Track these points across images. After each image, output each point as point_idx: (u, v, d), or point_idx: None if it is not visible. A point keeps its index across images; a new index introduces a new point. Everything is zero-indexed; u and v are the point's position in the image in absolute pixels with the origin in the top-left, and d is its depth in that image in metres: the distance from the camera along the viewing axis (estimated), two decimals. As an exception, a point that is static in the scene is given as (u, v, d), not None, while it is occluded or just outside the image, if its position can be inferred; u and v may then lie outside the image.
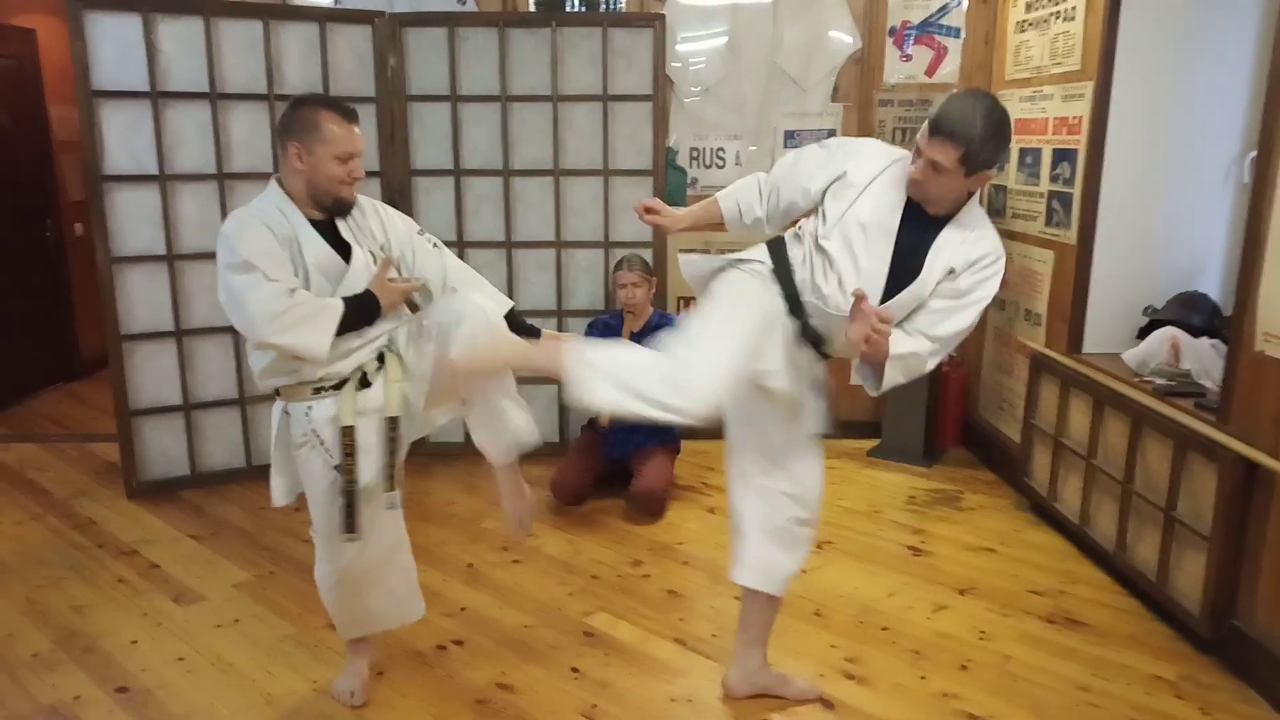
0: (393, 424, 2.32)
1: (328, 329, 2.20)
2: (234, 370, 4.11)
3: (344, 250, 2.33)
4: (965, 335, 2.24)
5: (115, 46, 3.76)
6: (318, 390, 2.30)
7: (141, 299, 3.93)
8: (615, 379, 2.03)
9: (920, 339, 2.18)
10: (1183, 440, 2.84)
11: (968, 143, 2.04)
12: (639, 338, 3.88)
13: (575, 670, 2.73)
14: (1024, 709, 2.54)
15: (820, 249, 2.24)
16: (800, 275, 2.28)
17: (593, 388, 2.02)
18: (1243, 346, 2.67)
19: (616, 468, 4.00)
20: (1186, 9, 3.34)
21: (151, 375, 3.99)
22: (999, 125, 2.08)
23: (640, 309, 3.90)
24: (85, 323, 5.90)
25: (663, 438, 3.98)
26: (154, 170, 3.86)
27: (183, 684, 2.65)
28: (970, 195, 2.20)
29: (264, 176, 3.98)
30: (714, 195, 2.53)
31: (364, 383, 2.33)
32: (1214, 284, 3.51)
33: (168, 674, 2.70)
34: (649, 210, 2.46)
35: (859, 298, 2.02)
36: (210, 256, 3.91)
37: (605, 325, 4.01)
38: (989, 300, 2.19)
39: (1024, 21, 4.04)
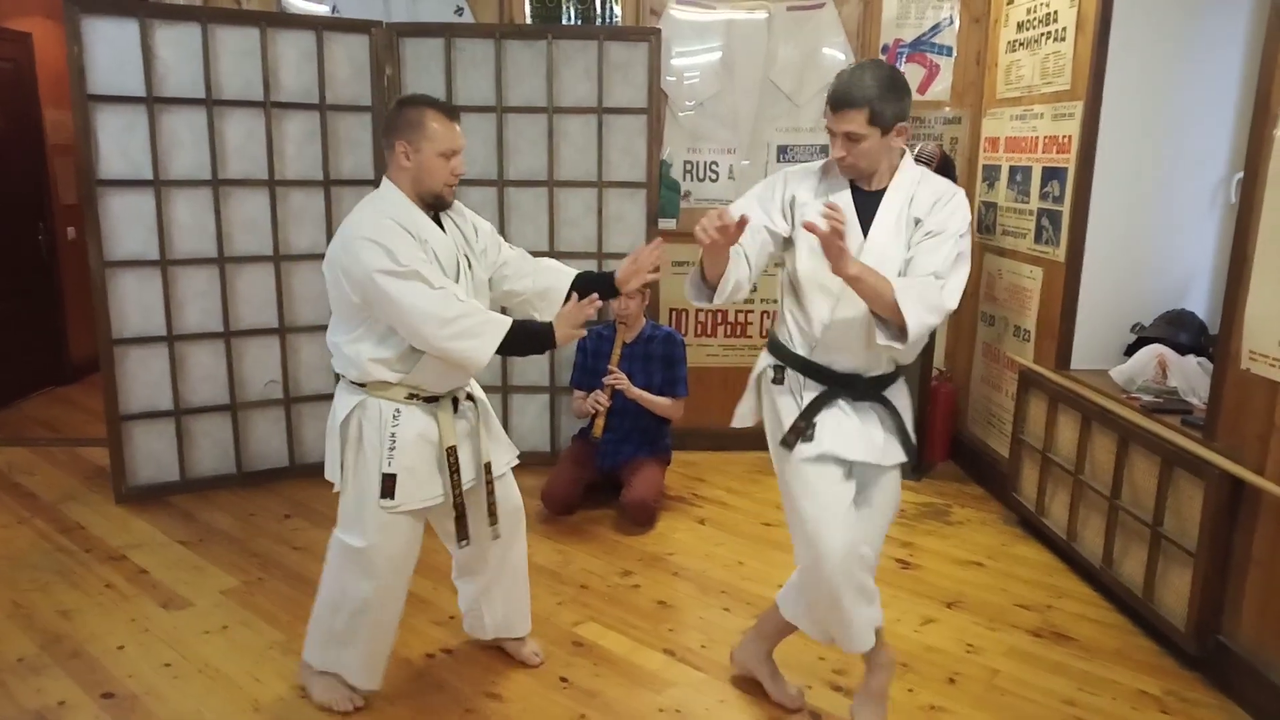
0: (488, 468, 2.51)
1: (492, 343, 2.28)
2: (225, 376, 4.11)
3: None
4: (963, 269, 2.20)
5: (111, 51, 3.76)
6: (411, 396, 2.37)
7: (134, 303, 3.92)
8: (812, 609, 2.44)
9: (921, 277, 2.16)
10: (1169, 457, 2.87)
11: (868, 103, 2.11)
12: (632, 348, 3.90)
13: (564, 680, 2.73)
14: (1010, 722, 2.56)
15: (793, 286, 2.33)
16: (795, 341, 2.35)
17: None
18: (1229, 364, 2.70)
19: (607, 478, 4.01)
20: (1175, 31, 3.39)
21: (143, 380, 3.98)
22: (890, 78, 2.15)
23: (633, 321, 3.92)
24: (76, 326, 5.88)
25: (654, 448, 3.99)
26: (149, 175, 3.86)
27: (169, 690, 2.64)
28: (902, 155, 2.26)
29: (259, 183, 4.05)
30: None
31: (454, 405, 2.46)
32: (1201, 302, 3.55)
33: (154, 680, 2.69)
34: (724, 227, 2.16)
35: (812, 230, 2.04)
36: (204, 262, 3.99)
37: (599, 336, 4.02)
38: (965, 230, 2.21)
39: (1015, 41, 4.08)
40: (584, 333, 2.48)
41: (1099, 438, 3.26)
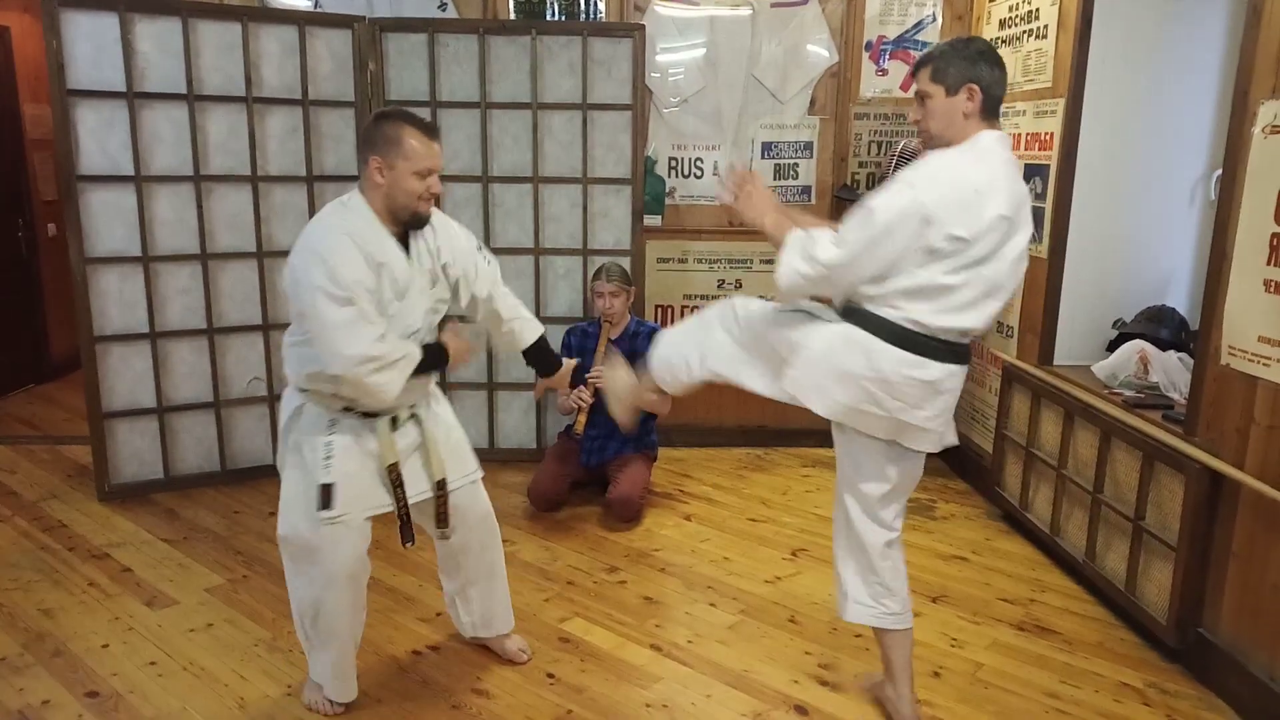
0: (440, 484, 2.49)
1: (403, 376, 2.26)
2: (209, 373, 4.08)
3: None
4: (859, 222, 2.07)
5: (91, 45, 3.73)
6: (347, 409, 2.36)
7: (115, 300, 3.89)
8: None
9: (828, 229, 2.14)
10: (1150, 451, 2.90)
11: (932, 60, 2.16)
12: (617, 344, 3.90)
13: (550, 676, 2.73)
14: (994, 716, 2.58)
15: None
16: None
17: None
18: (1209, 360, 2.73)
19: (593, 474, 4.01)
20: (1156, 30, 3.41)
21: (125, 377, 3.95)
22: (962, 41, 2.19)
23: (618, 318, 3.92)
24: (57, 324, 5.83)
25: (640, 445, 3.99)
26: (129, 171, 3.83)
27: (154, 689, 2.63)
28: (980, 131, 2.14)
29: (241, 179, 4.02)
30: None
31: (393, 422, 2.42)
32: (1181, 298, 3.59)
33: (139, 678, 2.67)
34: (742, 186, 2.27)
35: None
36: (186, 258, 3.97)
37: (583, 333, 4.02)
38: (895, 192, 2.05)
39: (997, 39, 4.11)
40: (469, 355, 2.51)
41: (1081, 433, 3.29)
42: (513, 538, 3.65)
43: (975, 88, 2.13)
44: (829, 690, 2.68)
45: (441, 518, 2.51)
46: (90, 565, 3.37)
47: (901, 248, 2.06)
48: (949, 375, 2.18)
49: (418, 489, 2.46)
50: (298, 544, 2.37)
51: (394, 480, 2.38)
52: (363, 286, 2.19)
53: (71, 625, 2.95)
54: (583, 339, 3.99)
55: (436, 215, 2.45)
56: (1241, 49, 2.63)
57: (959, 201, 2.05)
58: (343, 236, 2.21)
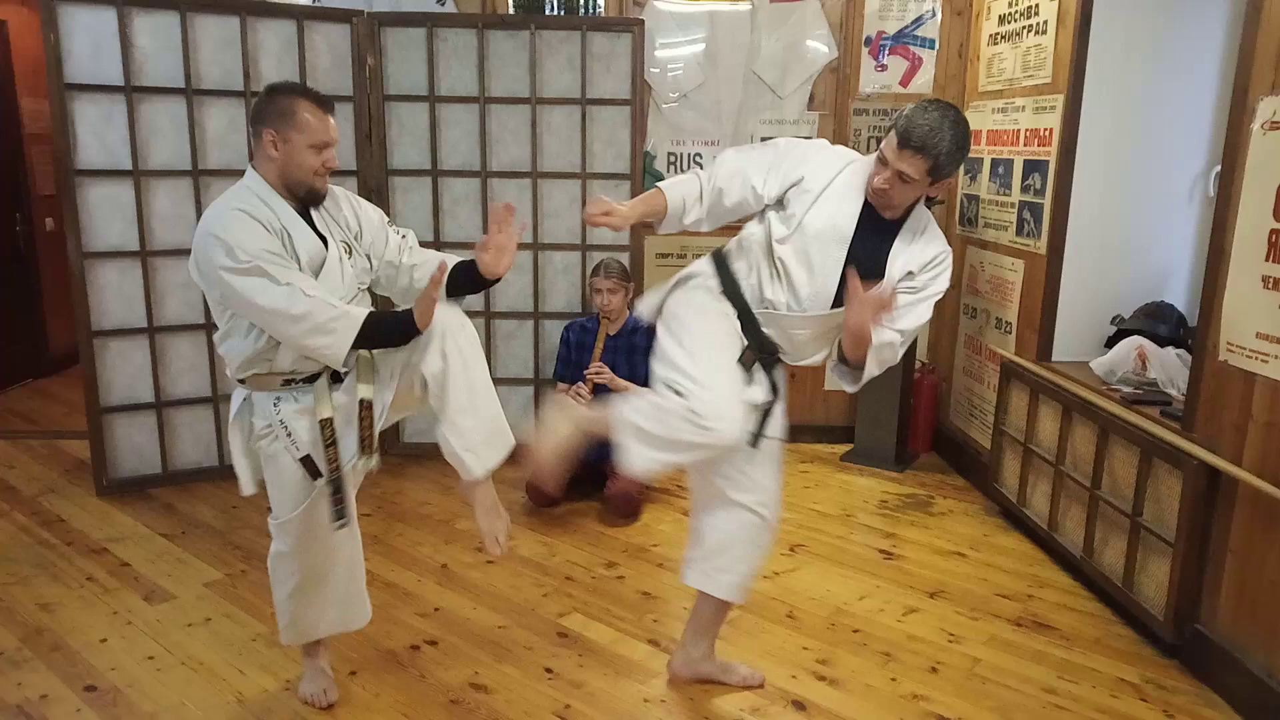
0: (366, 404, 2.30)
1: (346, 338, 2.18)
2: (207, 367, 4.08)
3: (322, 240, 2.31)
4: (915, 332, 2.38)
5: (89, 39, 3.72)
6: (288, 382, 2.30)
7: (114, 295, 3.89)
8: (651, 439, 2.16)
9: (888, 331, 2.23)
10: (1148, 448, 2.90)
11: (936, 156, 2.13)
12: (615, 341, 3.90)
13: (549, 671, 2.73)
14: (992, 711, 2.58)
15: (771, 256, 2.30)
16: (746, 286, 2.34)
17: (639, 456, 2.18)
18: (1207, 356, 2.73)
19: (592, 470, 4.01)
20: (1155, 26, 3.41)
21: (123, 372, 3.95)
22: (964, 137, 2.17)
23: (617, 314, 3.92)
24: (55, 318, 5.83)
25: (638, 440, 3.99)
26: (128, 165, 3.82)
27: (152, 683, 2.63)
28: (920, 198, 2.30)
29: (239, 174, 3.97)
30: (657, 186, 2.44)
31: (334, 378, 2.33)
32: (1180, 295, 3.59)
33: (137, 673, 2.68)
34: (602, 214, 2.31)
35: (855, 284, 2.10)
36: (185, 253, 3.93)
37: (582, 328, 4.02)
38: (942, 294, 2.33)
39: (997, 35, 4.10)
40: (435, 308, 2.21)
41: (1079, 429, 3.30)
42: (511, 533, 3.64)
43: (950, 182, 2.30)
44: (827, 685, 2.69)
45: (364, 442, 2.31)
46: (88, 560, 3.37)
47: None
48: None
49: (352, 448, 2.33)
50: (290, 529, 2.37)
51: (326, 439, 2.27)
52: (267, 252, 2.14)
53: (70, 620, 2.95)
54: (581, 335, 3.99)
55: (340, 190, 2.42)
56: (1241, 45, 2.63)
57: None
58: (235, 212, 2.17)
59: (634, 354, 3.91)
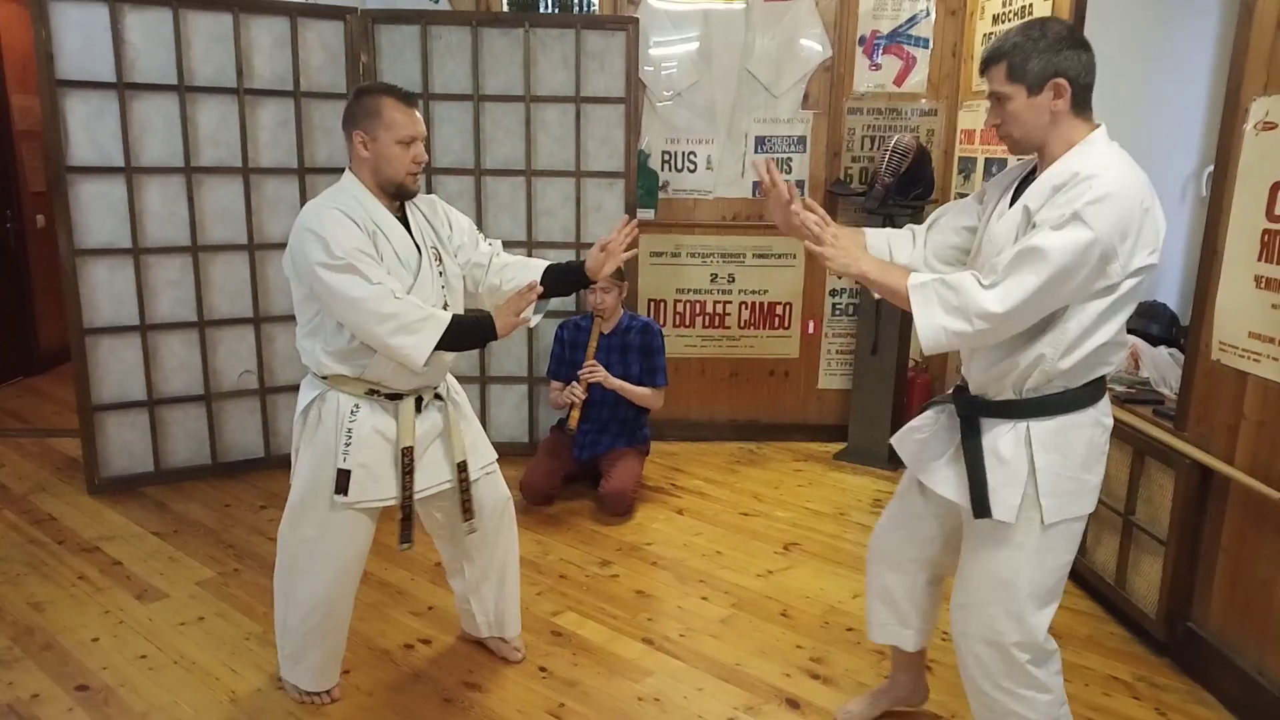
0: (461, 466, 2.48)
1: (430, 339, 2.22)
2: (199, 365, 4.07)
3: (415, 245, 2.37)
4: (1030, 268, 1.77)
5: (80, 36, 3.70)
6: (371, 391, 2.35)
7: (105, 292, 3.87)
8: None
9: (970, 273, 1.88)
10: (1141, 446, 2.91)
11: (1005, 54, 1.87)
12: (609, 339, 3.90)
13: (543, 669, 2.73)
14: (985, 708, 2.59)
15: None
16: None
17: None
18: (1199, 355, 2.74)
19: (585, 468, 4.01)
20: (1148, 27, 3.42)
21: (115, 370, 3.94)
22: (1038, 26, 1.88)
23: (610, 313, 3.91)
24: (45, 316, 5.80)
25: (632, 439, 3.99)
26: (119, 162, 3.81)
27: (145, 682, 2.62)
28: (1091, 131, 1.92)
29: (232, 171, 4.00)
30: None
31: (418, 404, 2.41)
32: (1172, 294, 3.60)
33: (129, 672, 2.67)
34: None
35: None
36: (177, 250, 3.95)
37: (576, 326, 4.02)
38: (1068, 224, 1.76)
39: (991, 34, 4.11)
40: (526, 320, 2.34)
41: (1072, 427, 3.30)
42: (517, 539, 3.64)
43: (1063, 82, 1.85)
44: (820, 684, 2.69)
45: (466, 507, 2.49)
46: (80, 558, 3.35)
47: (1077, 290, 1.82)
48: None
49: (435, 479, 2.45)
50: (301, 532, 2.37)
51: (405, 467, 2.36)
52: (360, 251, 2.19)
53: (61, 619, 2.94)
54: (575, 333, 3.99)
55: (435, 197, 2.50)
56: (1233, 45, 2.64)
57: (1136, 228, 1.82)
58: (331, 210, 2.22)
59: (628, 352, 3.91)
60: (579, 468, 4.02)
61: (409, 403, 2.38)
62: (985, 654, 2.09)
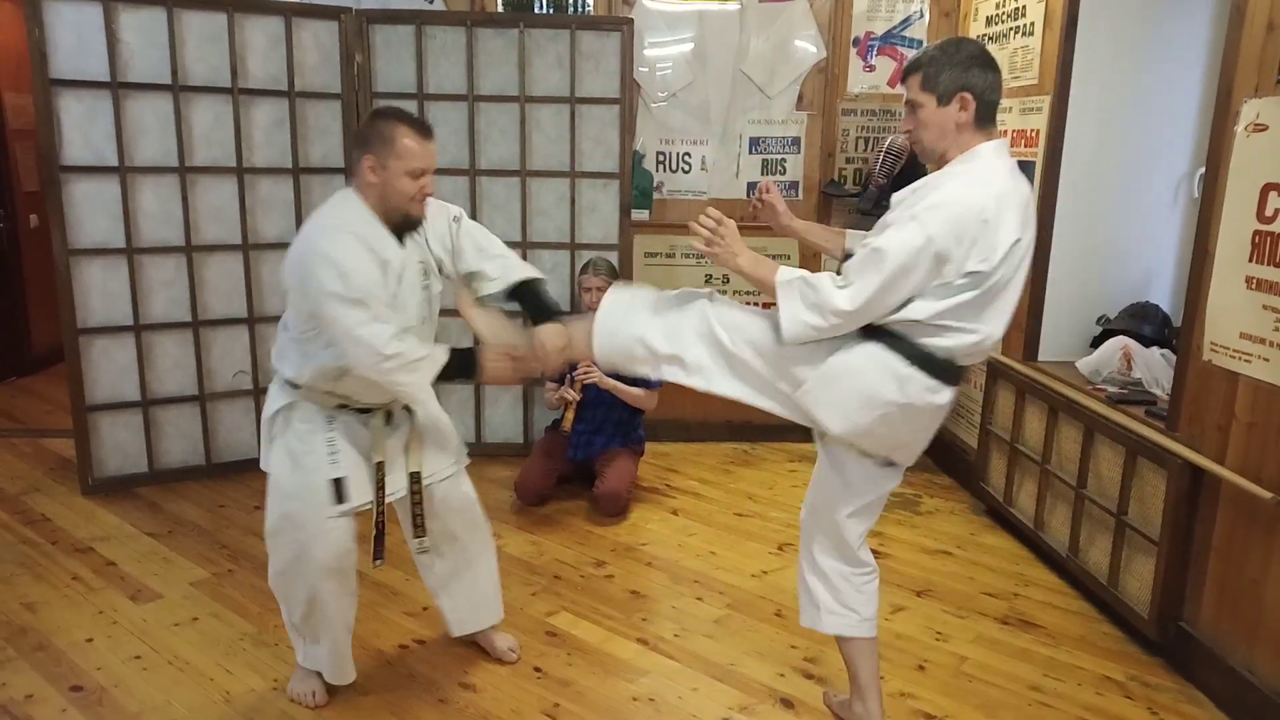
0: (415, 477, 2.46)
1: (428, 377, 2.25)
2: (193, 366, 4.06)
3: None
4: (877, 267, 1.95)
5: (74, 35, 3.69)
6: (342, 406, 2.36)
7: (99, 292, 3.86)
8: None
9: (828, 274, 2.04)
10: (1133, 447, 2.92)
11: (922, 65, 2.04)
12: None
13: (538, 670, 2.74)
14: (978, 709, 2.60)
15: None
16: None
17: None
18: (1191, 356, 2.75)
19: (580, 469, 4.02)
20: (1141, 28, 3.43)
21: (108, 370, 3.93)
22: (953, 45, 2.05)
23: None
24: (39, 316, 5.78)
25: (626, 439, 4.00)
26: (113, 162, 3.80)
27: (139, 682, 2.62)
28: (965, 136, 2.05)
29: (226, 170, 4.00)
30: None
31: (387, 417, 2.42)
32: (1165, 295, 3.61)
33: (123, 672, 2.66)
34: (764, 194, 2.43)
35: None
36: (171, 250, 3.94)
37: (570, 326, 4.01)
38: (912, 223, 1.94)
39: (984, 36, 4.12)
40: (509, 376, 2.38)
41: (1065, 428, 3.32)
42: (499, 532, 3.64)
43: (968, 96, 2.01)
44: (815, 683, 2.70)
45: (417, 522, 2.47)
46: (74, 559, 3.34)
47: (916, 285, 1.98)
48: (954, 396, 2.16)
49: (394, 486, 2.45)
50: (290, 539, 2.36)
51: (378, 480, 2.37)
52: (372, 287, 2.19)
53: (55, 619, 2.94)
54: (570, 333, 3.98)
55: (448, 207, 2.48)
56: (1225, 47, 2.65)
57: (971, 236, 1.94)
58: (348, 236, 2.20)
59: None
60: (574, 468, 4.02)
61: (379, 416, 2.39)
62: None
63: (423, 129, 2.27)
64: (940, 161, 2.08)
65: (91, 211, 3.81)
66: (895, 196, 2.09)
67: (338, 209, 2.29)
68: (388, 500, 2.43)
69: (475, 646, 2.83)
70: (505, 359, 2.34)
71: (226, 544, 3.50)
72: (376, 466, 2.36)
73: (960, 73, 2.01)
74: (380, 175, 2.23)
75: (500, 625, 2.83)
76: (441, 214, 2.47)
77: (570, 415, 3.79)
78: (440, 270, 2.45)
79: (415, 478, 2.46)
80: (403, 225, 2.31)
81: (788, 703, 2.61)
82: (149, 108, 3.85)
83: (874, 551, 3.52)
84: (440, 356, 2.26)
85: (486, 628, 2.78)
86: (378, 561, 2.42)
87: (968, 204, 1.95)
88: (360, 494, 2.36)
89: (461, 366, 2.32)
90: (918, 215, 1.95)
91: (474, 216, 4.28)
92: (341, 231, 2.21)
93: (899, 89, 4.51)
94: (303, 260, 2.19)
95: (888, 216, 2.05)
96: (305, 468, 2.33)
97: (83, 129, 3.76)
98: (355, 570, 2.49)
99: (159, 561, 3.35)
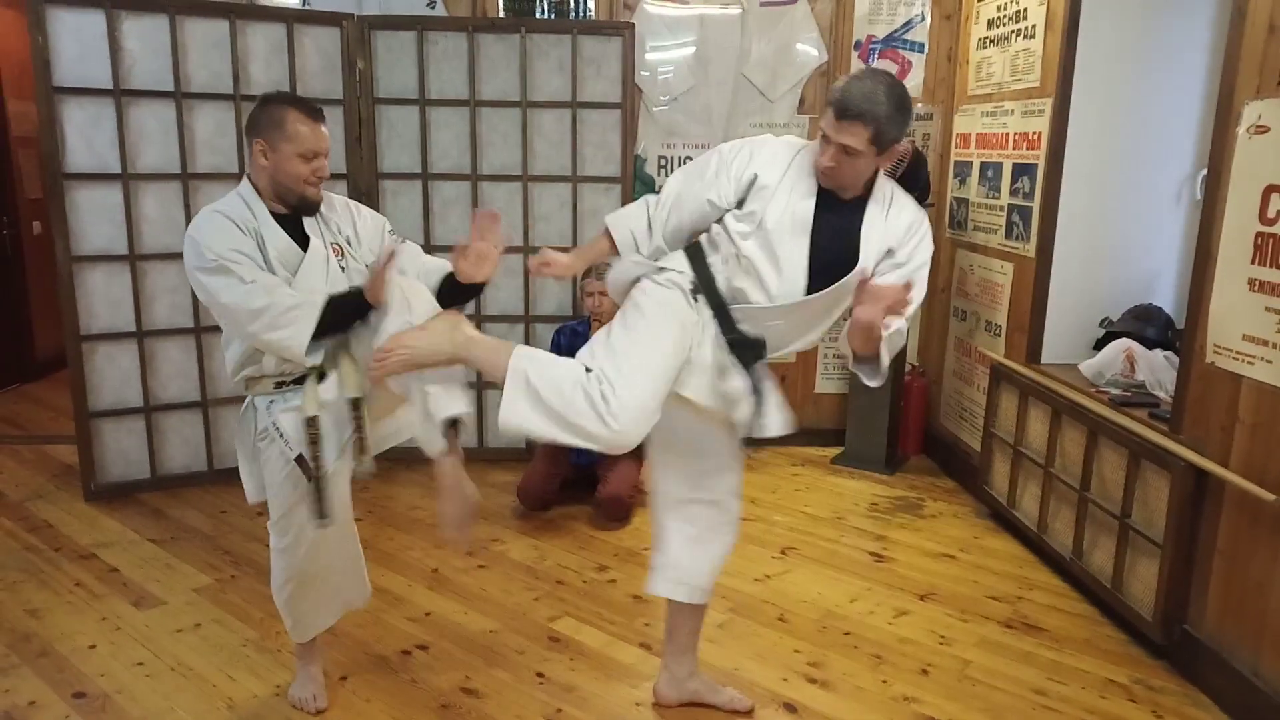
0: (355, 403, 2.26)
1: (306, 328, 2.18)
2: (196, 372, 4.07)
3: (305, 242, 2.32)
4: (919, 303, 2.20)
5: (77, 42, 3.70)
6: (279, 384, 2.32)
7: (102, 299, 3.87)
8: (544, 404, 1.99)
9: (895, 319, 2.06)
10: (1137, 449, 2.91)
11: (875, 121, 2.01)
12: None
13: (540, 675, 2.73)
14: (982, 712, 2.59)
15: (738, 253, 2.18)
16: (721, 280, 2.20)
17: (520, 410, 2.01)
18: (1194, 358, 2.74)
19: (582, 474, 4.01)
20: (1142, 29, 3.43)
21: (111, 376, 3.93)
22: (902, 99, 2.06)
23: (608, 317, 3.91)
24: (42, 322, 5.79)
25: (628, 444, 3.99)
26: (116, 169, 3.81)
27: (142, 689, 2.62)
28: (878, 171, 2.19)
29: (229, 177, 4.00)
30: (605, 224, 2.37)
31: (322, 376, 2.31)
32: (1167, 297, 3.61)
33: (126, 679, 2.66)
34: (542, 265, 2.32)
35: (864, 278, 2.00)
36: (173, 257, 3.95)
37: (573, 332, 4.02)
38: (929, 262, 2.19)
39: (986, 39, 4.12)
40: (389, 280, 2.18)
41: (1068, 431, 3.31)
42: (502, 536, 3.65)
43: (900, 147, 2.11)
44: (818, 688, 2.69)
45: (359, 441, 2.28)
46: (77, 565, 3.35)
47: None
48: None
49: (344, 433, 2.30)
50: (286, 519, 2.36)
51: (310, 436, 2.23)
52: (236, 251, 2.17)
53: (58, 625, 2.94)
54: (572, 338, 3.99)
55: (339, 198, 2.44)
56: (1226, 49, 2.65)
57: None
58: (213, 214, 2.23)
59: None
60: (576, 473, 4.02)
61: (310, 378, 2.29)
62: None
63: (312, 111, 2.27)
64: (856, 187, 2.17)
65: (94, 218, 3.82)
66: (893, 241, 2.17)
67: (223, 198, 2.31)
68: (332, 463, 2.28)
69: (479, 651, 2.82)
70: (379, 278, 2.18)
71: (229, 550, 3.50)
72: (307, 422, 2.24)
73: (904, 128, 2.08)
74: (271, 159, 2.24)
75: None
76: (371, 214, 2.49)
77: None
78: (354, 258, 2.38)
79: (355, 404, 2.25)
80: (300, 208, 2.30)
81: (791, 707, 2.60)
82: (151, 114, 3.86)
83: (877, 555, 3.56)
84: (317, 301, 2.18)
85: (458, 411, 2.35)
86: (323, 520, 2.27)
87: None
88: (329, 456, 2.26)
89: (348, 304, 2.23)
90: (928, 265, 2.21)
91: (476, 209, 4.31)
92: (208, 212, 2.24)
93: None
94: (184, 251, 2.23)
95: (904, 254, 2.17)
96: (269, 463, 2.33)
97: (85, 136, 3.77)
98: (342, 536, 2.48)
99: (161, 568, 3.35)
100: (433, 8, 4.44)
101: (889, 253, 2.16)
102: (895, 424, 4.54)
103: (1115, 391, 3.20)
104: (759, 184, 2.19)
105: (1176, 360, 3.03)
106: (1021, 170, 3.78)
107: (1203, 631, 2.72)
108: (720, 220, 2.25)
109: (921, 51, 4.50)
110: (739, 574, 3.38)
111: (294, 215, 2.32)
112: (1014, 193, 3.84)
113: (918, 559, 3.54)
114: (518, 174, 4.32)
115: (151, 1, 3.78)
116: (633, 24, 4.31)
